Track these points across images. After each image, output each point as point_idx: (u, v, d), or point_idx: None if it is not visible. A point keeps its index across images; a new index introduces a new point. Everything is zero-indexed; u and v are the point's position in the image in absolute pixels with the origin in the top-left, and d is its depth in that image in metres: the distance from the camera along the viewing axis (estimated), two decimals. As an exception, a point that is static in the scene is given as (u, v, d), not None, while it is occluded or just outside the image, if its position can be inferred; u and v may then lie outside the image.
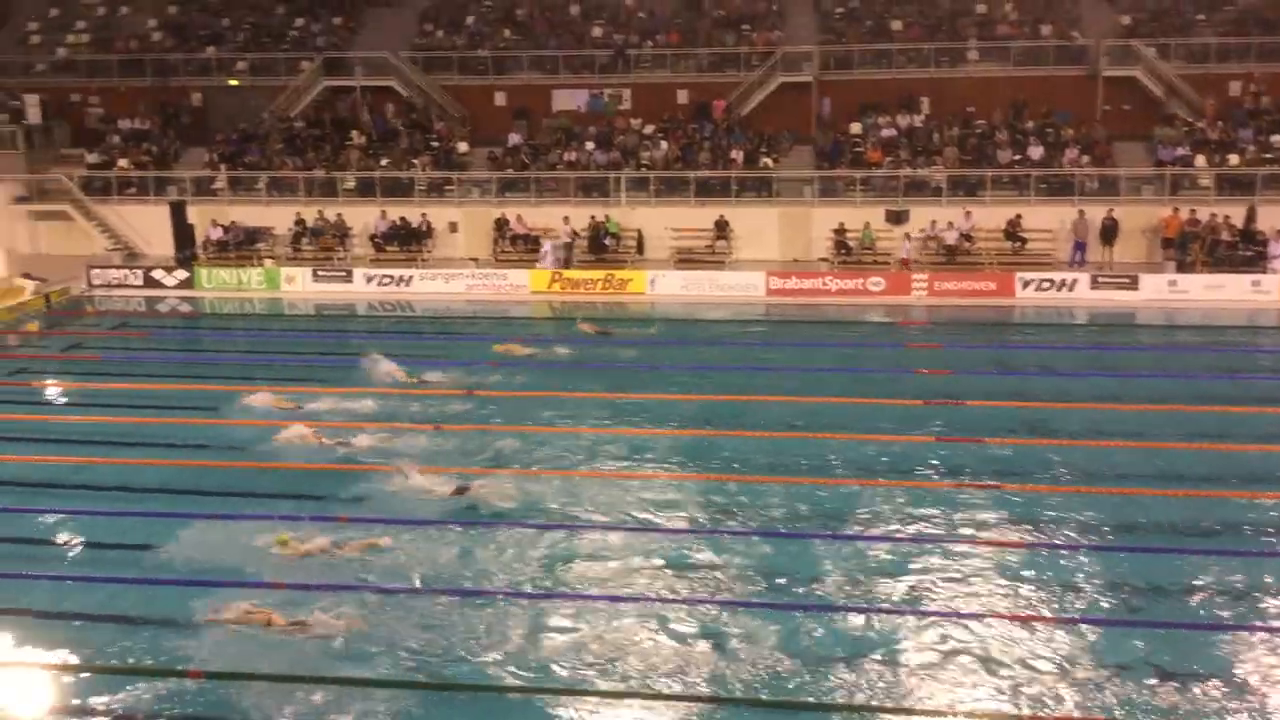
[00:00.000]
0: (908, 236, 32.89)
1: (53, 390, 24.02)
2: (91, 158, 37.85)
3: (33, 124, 38.28)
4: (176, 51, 40.39)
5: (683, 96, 38.22)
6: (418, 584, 15.01)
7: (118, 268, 33.67)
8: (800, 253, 34.32)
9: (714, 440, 20.53)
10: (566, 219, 33.89)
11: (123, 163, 37.37)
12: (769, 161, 35.50)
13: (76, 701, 12.69)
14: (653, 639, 13.69)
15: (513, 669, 13.07)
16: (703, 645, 13.59)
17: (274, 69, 39.74)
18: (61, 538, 16.72)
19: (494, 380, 23.77)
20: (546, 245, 33.27)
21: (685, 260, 33.82)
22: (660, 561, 15.69)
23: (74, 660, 13.35)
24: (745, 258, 34.00)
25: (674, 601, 14.55)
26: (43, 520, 17.23)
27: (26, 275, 31.57)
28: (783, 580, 15.21)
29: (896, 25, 38.51)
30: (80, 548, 16.40)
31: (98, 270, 33.22)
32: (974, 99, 36.66)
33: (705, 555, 15.92)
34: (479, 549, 16.06)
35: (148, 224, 36.05)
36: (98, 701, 12.60)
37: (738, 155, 35.54)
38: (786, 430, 20.80)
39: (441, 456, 19.34)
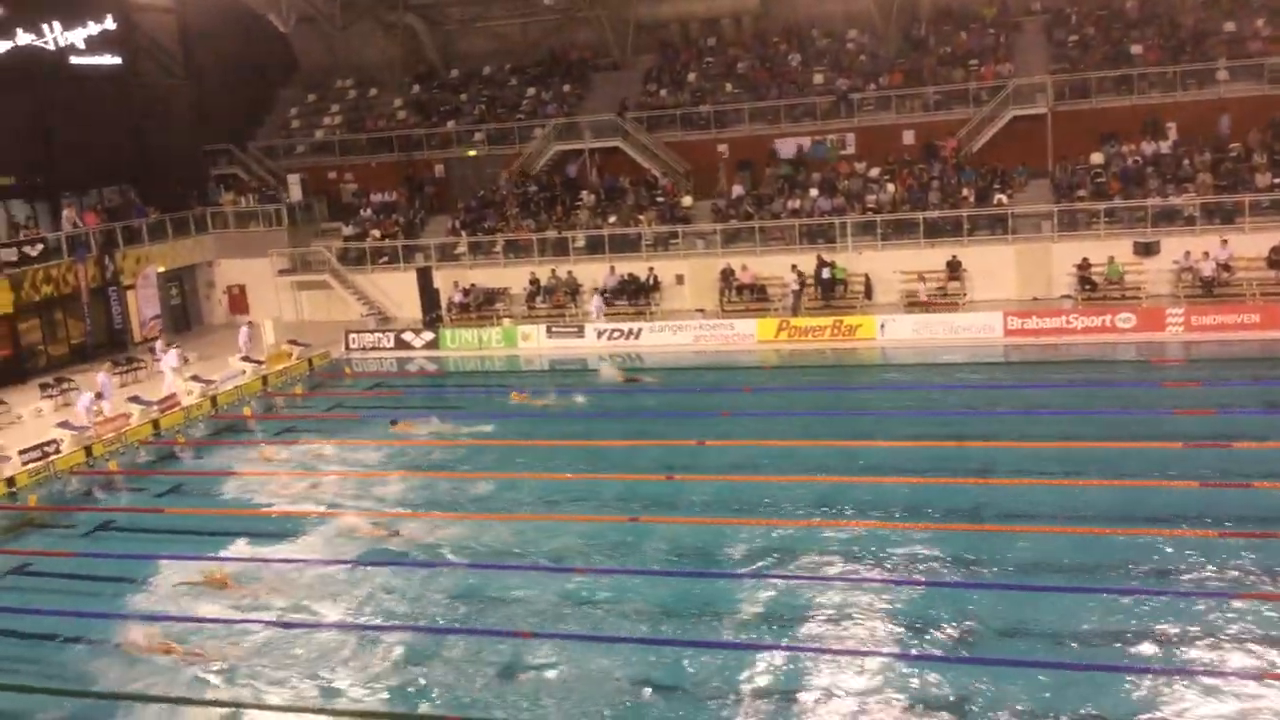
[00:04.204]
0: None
1: (312, 450, 25.62)
2: (347, 230, 40.63)
3: (295, 202, 41.51)
4: (420, 128, 42.98)
5: (908, 137, 37.52)
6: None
7: (371, 331, 35.88)
8: (1040, 290, 32.85)
9: (959, 489, 19.78)
10: (794, 267, 33.72)
11: (374, 233, 39.91)
12: (1003, 198, 34.28)
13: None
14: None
15: None
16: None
17: (509, 138, 41.65)
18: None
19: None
20: (596, 300, 34.26)
21: (916, 303, 32.97)
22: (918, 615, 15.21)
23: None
24: (980, 298, 32.83)
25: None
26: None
27: (292, 341, 34.07)
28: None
29: (1136, 49, 36.56)
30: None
31: (354, 334, 35.49)
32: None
33: (945, 611, 15.33)
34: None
35: (397, 289, 38.31)
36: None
37: (969, 193, 34.50)
38: (1037, 477, 19.85)
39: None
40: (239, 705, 14.38)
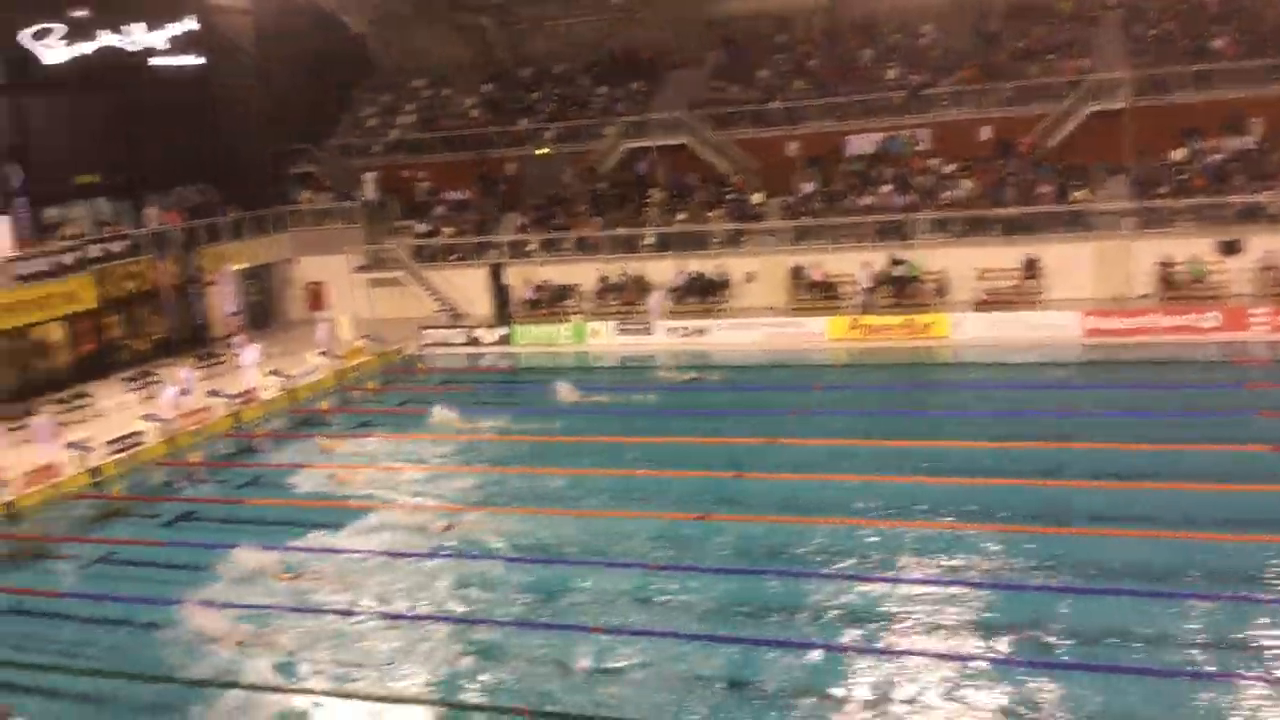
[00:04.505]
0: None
1: (386, 444, 25.99)
2: (420, 228, 41.15)
3: (370, 200, 42.15)
4: (493, 126, 43.37)
5: (984, 133, 36.94)
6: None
7: (444, 328, 36.32)
8: (1118, 289, 32.18)
9: (1035, 490, 19.47)
10: (866, 264, 33.42)
11: (447, 231, 40.37)
12: (1081, 194, 33.62)
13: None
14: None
15: None
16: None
17: (579, 136, 41.86)
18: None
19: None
20: (655, 298, 34.14)
21: (991, 301, 32.49)
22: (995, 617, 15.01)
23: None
24: (1057, 297, 32.25)
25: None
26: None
27: (366, 337, 34.62)
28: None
29: (1218, 44, 35.62)
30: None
31: (427, 331, 35.95)
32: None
33: (1019, 615, 15.11)
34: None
35: (469, 286, 38.71)
36: None
37: (1046, 190, 33.90)
38: (1117, 479, 19.47)
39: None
40: (308, 692, 14.65)
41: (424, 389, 31.43)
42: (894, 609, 15.54)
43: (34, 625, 17.71)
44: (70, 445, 24.75)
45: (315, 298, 41.25)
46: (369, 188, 42.27)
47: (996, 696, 13.26)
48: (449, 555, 18.66)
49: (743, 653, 14.67)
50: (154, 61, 38.40)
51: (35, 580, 19.48)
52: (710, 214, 37.17)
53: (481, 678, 14.67)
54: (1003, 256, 33.14)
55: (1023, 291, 32.46)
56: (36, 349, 31.88)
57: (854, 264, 33.95)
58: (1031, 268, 32.61)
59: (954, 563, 16.76)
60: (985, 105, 37.14)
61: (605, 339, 34.05)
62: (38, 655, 16.44)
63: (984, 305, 32.28)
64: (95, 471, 24.42)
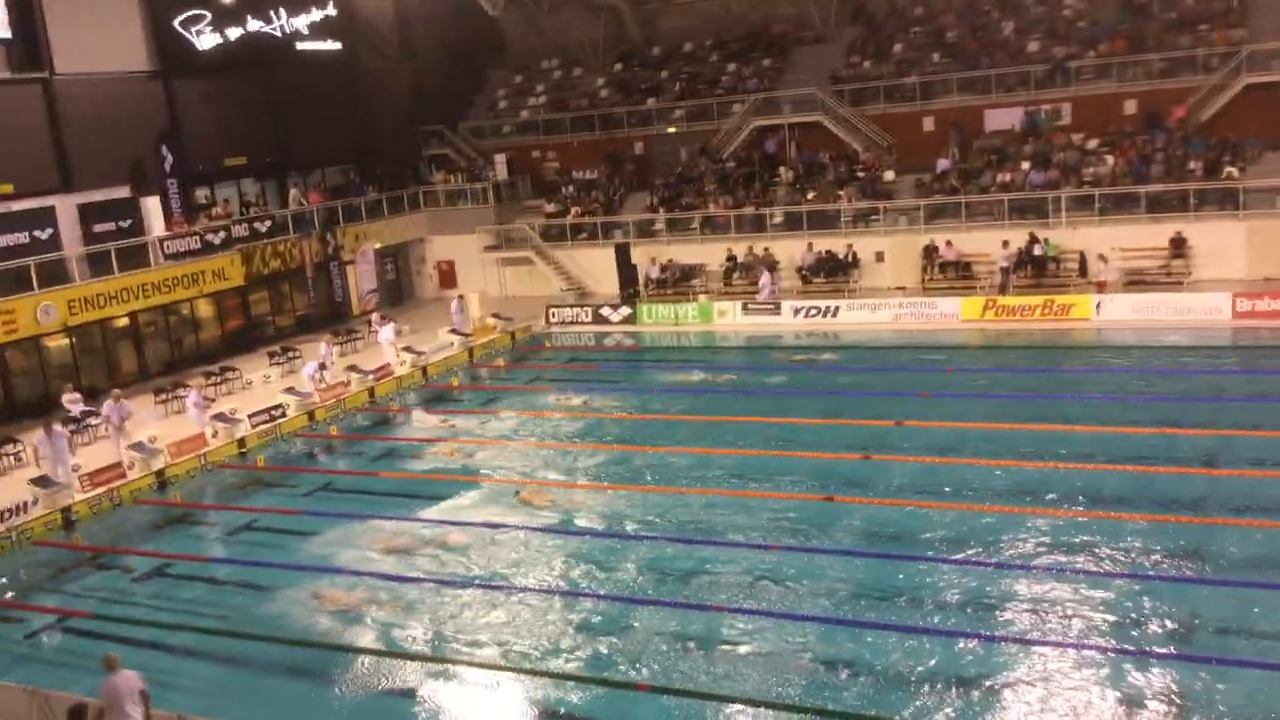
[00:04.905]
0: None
1: (513, 421, 26.41)
2: (549, 207, 41.61)
3: (500, 180, 42.80)
4: (621, 106, 43.51)
5: (1130, 106, 35.41)
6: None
7: (571, 306, 36.68)
8: (1273, 270, 30.49)
9: (1177, 478, 18.67)
10: (1006, 243, 32.41)
11: (575, 210, 40.73)
12: (1234, 171, 31.94)
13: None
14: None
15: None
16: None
17: (708, 114, 41.66)
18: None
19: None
20: (765, 276, 33.64)
21: (1135, 282, 31.17)
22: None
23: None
24: (1206, 277, 30.75)
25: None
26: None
27: (496, 315, 35.21)
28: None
29: (1393, 6, 33.38)
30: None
31: (554, 309, 36.37)
32: None
33: (1157, 605, 14.53)
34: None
35: (596, 265, 39.00)
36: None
37: (1196, 166, 32.31)
38: (1266, 468, 18.54)
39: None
40: (432, 659, 15.03)
41: (551, 366, 31.83)
42: (1019, 597, 15.14)
43: (177, 588, 18.61)
44: (217, 417, 25.86)
45: (446, 276, 42.14)
46: (500, 168, 42.96)
47: (1127, 687, 12.80)
48: (572, 531, 18.89)
49: (864, 636, 14.46)
50: (299, 46, 39.71)
51: (181, 545, 20.46)
52: (840, 192, 36.58)
53: (601, 651, 14.82)
54: (1147, 235, 31.74)
55: (1170, 271, 31.05)
56: (187, 324, 33.40)
57: (989, 243, 32.98)
58: (1179, 247, 31.16)
59: (1085, 551, 16.19)
60: (1132, 78, 35.57)
61: (731, 319, 33.88)
62: (178, 616, 17.28)
63: (1129, 286, 30.98)
64: (241, 442, 25.47)
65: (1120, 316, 29.53)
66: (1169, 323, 28.72)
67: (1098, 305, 29.88)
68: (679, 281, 37.10)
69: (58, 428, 23.75)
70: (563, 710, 13.67)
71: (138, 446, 24.09)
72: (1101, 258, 31.03)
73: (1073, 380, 25.76)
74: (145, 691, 12.15)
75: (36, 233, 29.85)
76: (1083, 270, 32.15)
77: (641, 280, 37.44)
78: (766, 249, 36.02)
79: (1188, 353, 26.86)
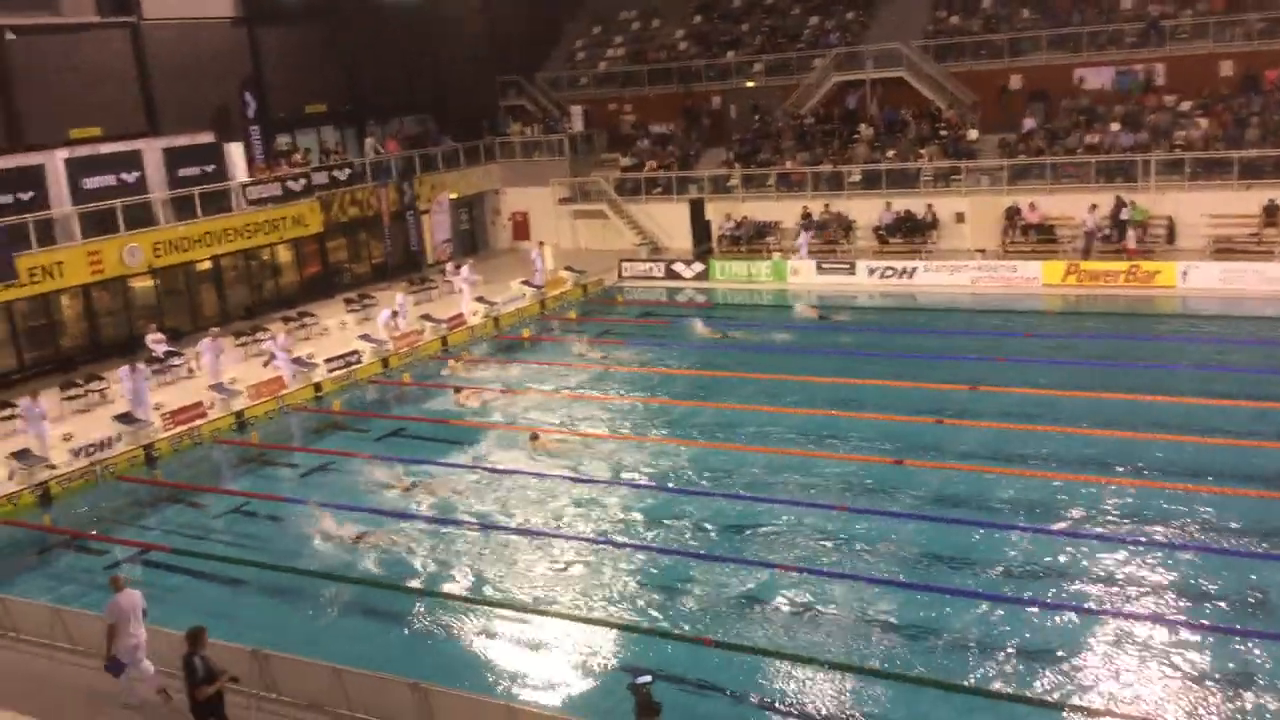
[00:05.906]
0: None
1: (583, 373, 26.50)
2: (624, 161, 41.41)
3: (576, 133, 42.66)
4: (700, 59, 43.02)
5: (1227, 68, 34.15)
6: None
7: (644, 261, 36.60)
8: (1374, 241, 29.38)
9: (1260, 452, 18.16)
10: (1094, 206, 31.54)
11: (650, 164, 40.50)
12: (1336, 136, 30.72)
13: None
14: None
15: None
16: None
17: (788, 68, 41.03)
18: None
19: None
20: (803, 236, 33.44)
21: (1225, 250, 30.20)
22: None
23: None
24: (1301, 247, 29.72)
25: None
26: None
27: (568, 268, 35.27)
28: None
29: None
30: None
31: (627, 263, 36.31)
32: None
33: (1228, 580, 14.18)
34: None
35: (670, 220, 38.79)
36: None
37: (1295, 130, 31.13)
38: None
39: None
40: (486, 604, 15.27)
41: (622, 320, 31.83)
42: (1091, 565, 14.91)
43: (255, 525, 19.07)
44: (295, 361, 26.33)
45: (520, 228, 42.25)
46: (576, 120, 42.79)
47: (1196, 661, 12.58)
48: (639, 485, 18.95)
49: (929, 600, 14.35)
50: (379, -5, 39.86)
51: (259, 485, 20.95)
52: (921, 151, 35.87)
53: (666, 605, 14.89)
54: (1240, 202, 30.70)
55: (1261, 240, 30.03)
56: (267, 269, 33.97)
57: (1074, 206, 32.15)
58: (1272, 215, 30.09)
59: (1165, 521, 15.87)
60: (1229, 38, 34.26)
61: (805, 278, 33.53)
62: (253, 553, 17.72)
63: (1218, 254, 30.03)
64: (317, 387, 25.93)
65: (1207, 285, 28.69)
66: (1259, 293, 27.81)
67: (1184, 272, 29.04)
68: (753, 239, 36.80)
69: (141, 366, 24.43)
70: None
71: (218, 387, 24.67)
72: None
73: (1154, 349, 25.11)
74: (145, 609, 12.84)
75: (124, 175, 30.49)
76: (1171, 237, 31.24)
77: (715, 236, 37.18)
78: (826, 206, 35.52)
79: (1277, 324, 26.01)
